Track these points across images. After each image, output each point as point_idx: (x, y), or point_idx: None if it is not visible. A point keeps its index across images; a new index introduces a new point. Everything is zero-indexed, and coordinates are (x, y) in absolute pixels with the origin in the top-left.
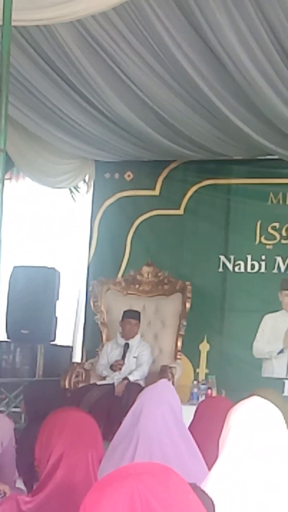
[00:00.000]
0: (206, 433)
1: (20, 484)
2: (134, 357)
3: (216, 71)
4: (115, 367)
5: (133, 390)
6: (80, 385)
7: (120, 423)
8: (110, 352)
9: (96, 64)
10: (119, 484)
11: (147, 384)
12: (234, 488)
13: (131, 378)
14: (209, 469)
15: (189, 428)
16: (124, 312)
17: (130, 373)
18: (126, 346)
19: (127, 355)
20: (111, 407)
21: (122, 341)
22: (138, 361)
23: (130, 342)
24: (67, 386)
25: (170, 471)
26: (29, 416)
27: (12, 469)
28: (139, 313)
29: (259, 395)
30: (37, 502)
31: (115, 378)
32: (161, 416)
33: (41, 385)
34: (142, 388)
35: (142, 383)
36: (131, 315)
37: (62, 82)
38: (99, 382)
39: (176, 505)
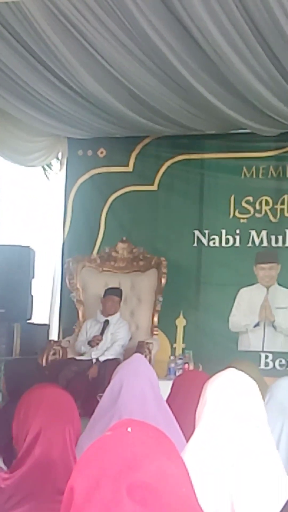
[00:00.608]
0: (183, 406)
1: (0, 463)
2: (111, 333)
3: (187, 46)
4: (93, 342)
5: (109, 365)
6: None
7: (97, 399)
8: (89, 328)
9: (66, 40)
10: (110, 488)
11: (124, 360)
12: (211, 456)
13: (102, 359)
14: (187, 441)
15: (166, 402)
16: (106, 289)
17: (104, 351)
18: (106, 322)
19: (105, 331)
20: (88, 383)
21: (101, 318)
22: (114, 337)
23: (110, 319)
24: (44, 364)
25: (167, 457)
26: (9, 394)
27: None
28: (121, 290)
29: (234, 367)
30: (16, 479)
31: (92, 354)
32: (141, 392)
33: (21, 363)
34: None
35: (121, 358)
36: (114, 292)
37: (32, 59)
38: (77, 357)
39: (170, 505)
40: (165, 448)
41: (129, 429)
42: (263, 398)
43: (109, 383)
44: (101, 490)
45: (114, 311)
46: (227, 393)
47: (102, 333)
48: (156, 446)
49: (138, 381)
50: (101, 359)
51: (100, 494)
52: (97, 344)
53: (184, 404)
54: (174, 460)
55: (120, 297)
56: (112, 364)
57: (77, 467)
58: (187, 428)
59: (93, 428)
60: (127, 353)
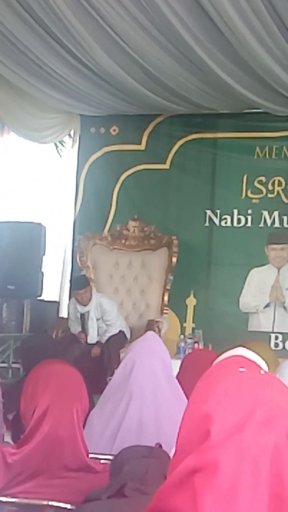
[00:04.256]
0: (192, 384)
1: (8, 438)
2: (97, 319)
3: (203, 25)
4: (81, 340)
5: (112, 341)
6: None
7: (105, 376)
8: (74, 311)
9: (82, 17)
10: (255, 431)
11: (133, 338)
12: None
13: (108, 335)
14: None
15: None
16: (71, 283)
17: (104, 331)
18: (82, 317)
19: (88, 322)
20: (94, 361)
21: (80, 308)
22: (107, 322)
23: (87, 307)
24: None
25: None
26: (25, 369)
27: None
28: (84, 278)
29: (244, 346)
30: (23, 454)
31: (94, 340)
32: (152, 370)
33: (36, 339)
34: (125, 337)
35: (125, 331)
36: (77, 286)
37: (47, 36)
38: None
39: None
40: None
41: (243, 369)
42: None
43: (115, 361)
44: (246, 431)
45: (87, 301)
46: None
47: (83, 329)
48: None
49: (150, 359)
50: (103, 340)
51: (244, 436)
52: (85, 342)
53: (192, 382)
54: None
55: (87, 284)
56: (116, 340)
57: (216, 396)
58: None
59: (104, 405)
60: (136, 332)
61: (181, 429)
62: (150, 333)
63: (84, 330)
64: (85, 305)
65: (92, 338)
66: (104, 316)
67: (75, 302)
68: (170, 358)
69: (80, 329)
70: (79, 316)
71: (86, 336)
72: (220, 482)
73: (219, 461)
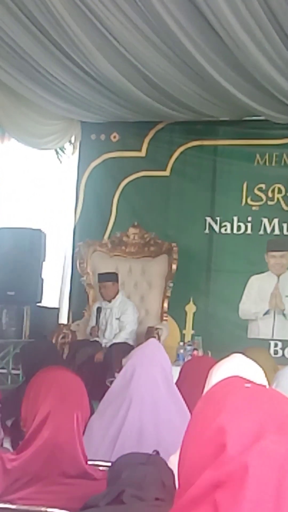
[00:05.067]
0: (190, 391)
1: (7, 444)
2: (116, 318)
3: (203, 31)
4: (92, 334)
5: (116, 349)
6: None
7: (106, 384)
8: (97, 313)
9: (82, 24)
10: (275, 439)
11: (136, 345)
12: None
13: (109, 344)
14: None
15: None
16: (98, 275)
17: (114, 336)
18: (98, 310)
19: (109, 319)
20: (97, 367)
21: (104, 303)
22: (121, 323)
23: (110, 304)
24: None
25: None
26: (25, 375)
27: None
28: (114, 274)
29: (243, 353)
30: (22, 460)
31: (103, 341)
32: (153, 378)
33: (36, 344)
34: (131, 347)
35: (131, 341)
36: (104, 278)
37: (47, 42)
38: (91, 339)
39: None
40: None
41: (248, 385)
42: (271, 385)
43: (116, 366)
44: (265, 441)
45: (111, 297)
46: None
47: (96, 322)
48: None
49: (151, 367)
50: (108, 344)
51: (264, 445)
52: (97, 335)
53: (191, 389)
54: None
55: (115, 280)
56: (120, 348)
57: (227, 410)
58: None
59: (104, 411)
60: (136, 338)
61: (190, 445)
62: (152, 340)
63: (97, 324)
64: (108, 301)
65: (110, 334)
66: (122, 316)
67: (99, 300)
68: (170, 364)
69: (104, 319)
70: (95, 310)
71: (98, 330)
72: (246, 496)
73: (242, 474)
